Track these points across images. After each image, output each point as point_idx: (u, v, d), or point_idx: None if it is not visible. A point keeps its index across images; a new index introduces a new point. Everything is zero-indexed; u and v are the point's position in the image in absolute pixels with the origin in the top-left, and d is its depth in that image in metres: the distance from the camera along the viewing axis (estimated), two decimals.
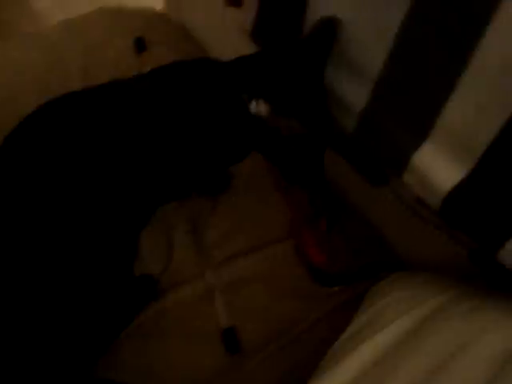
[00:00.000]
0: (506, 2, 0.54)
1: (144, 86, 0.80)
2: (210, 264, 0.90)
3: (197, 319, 0.87)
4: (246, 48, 0.95)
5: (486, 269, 0.76)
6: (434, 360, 0.60)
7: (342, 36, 0.74)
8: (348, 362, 0.67)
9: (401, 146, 0.75)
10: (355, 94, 0.77)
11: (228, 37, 1.08)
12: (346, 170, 0.92)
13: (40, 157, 0.70)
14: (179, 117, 0.76)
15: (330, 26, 0.75)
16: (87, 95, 0.78)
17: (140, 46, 1.14)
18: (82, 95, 0.78)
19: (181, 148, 0.77)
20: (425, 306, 0.72)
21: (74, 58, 1.10)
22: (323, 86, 0.80)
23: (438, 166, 0.72)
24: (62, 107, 0.75)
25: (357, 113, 0.79)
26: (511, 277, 0.69)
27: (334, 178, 1.00)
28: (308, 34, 0.78)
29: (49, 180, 0.68)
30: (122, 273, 0.76)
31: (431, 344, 0.64)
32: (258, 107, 0.76)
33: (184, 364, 0.82)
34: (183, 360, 0.82)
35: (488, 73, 0.59)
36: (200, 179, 0.88)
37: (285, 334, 0.86)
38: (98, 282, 0.71)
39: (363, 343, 0.69)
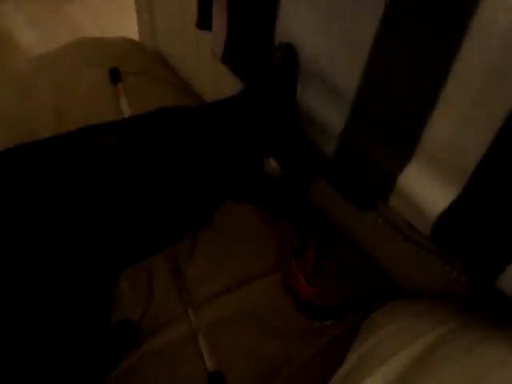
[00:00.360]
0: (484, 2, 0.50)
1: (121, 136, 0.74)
2: (193, 304, 0.85)
3: (182, 363, 0.81)
4: (221, 73, 0.92)
5: (486, 296, 0.71)
6: None
7: (313, 58, 0.70)
8: None
9: (384, 168, 0.70)
10: (333, 116, 0.73)
11: (203, 63, 1.04)
12: (332, 195, 0.87)
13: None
14: (156, 168, 0.72)
15: (291, 53, 0.72)
16: (55, 144, 0.72)
17: (115, 76, 1.11)
18: (49, 144, 0.72)
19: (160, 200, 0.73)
20: (425, 339, 0.66)
21: (45, 92, 1.07)
22: (298, 119, 0.78)
23: (426, 188, 0.67)
24: (27, 156, 0.70)
25: (336, 136, 0.74)
26: None
27: (321, 203, 0.95)
28: (272, 69, 0.75)
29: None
30: (99, 322, 0.70)
31: (436, 381, 0.58)
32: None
33: None
34: None
35: (472, 83, 0.55)
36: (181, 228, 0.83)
37: (275, 375, 0.80)
38: (74, 333, 0.66)
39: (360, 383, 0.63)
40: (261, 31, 0.74)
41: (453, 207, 0.64)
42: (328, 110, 0.73)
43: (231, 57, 0.84)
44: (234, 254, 0.91)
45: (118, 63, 1.13)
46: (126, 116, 1.05)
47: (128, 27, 1.35)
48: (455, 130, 0.59)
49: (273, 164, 0.77)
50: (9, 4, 2.24)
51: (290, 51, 0.71)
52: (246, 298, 0.86)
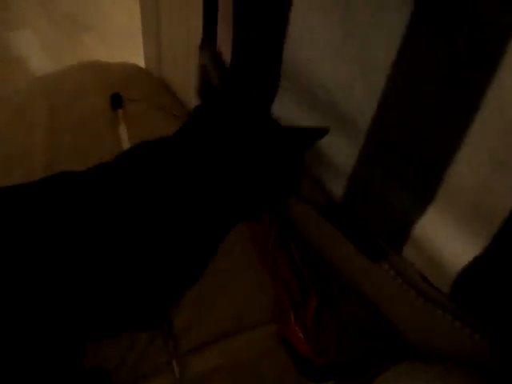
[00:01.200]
0: None
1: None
2: (178, 353, 0.76)
3: None
4: None
5: (511, 366, 0.61)
6: None
7: (323, 86, 0.63)
8: None
9: (398, 213, 0.62)
10: (342, 151, 0.65)
11: None
12: (338, 240, 0.78)
13: None
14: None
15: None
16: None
17: (115, 102, 1.06)
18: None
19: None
20: None
21: (40, 114, 1.02)
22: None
23: (447, 238, 0.58)
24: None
25: (345, 175, 0.66)
26: None
27: (326, 248, 0.87)
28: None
29: None
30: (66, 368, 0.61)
31: None
32: None
33: None
34: None
35: (505, 118, 0.47)
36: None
37: None
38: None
39: None
40: (266, 57, 0.68)
41: (478, 262, 0.55)
42: (337, 145, 0.66)
43: (235, 88, 0.77)
44: (226, 300, 0.82)
45: (120, 89, 1.07)
46: (123, 143, 0.99)
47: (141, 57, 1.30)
48: (484, 171, 0.51)
49: None
50: (27, 30, 2.25)
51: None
52: (238, 350, 0.77)
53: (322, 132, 0.65)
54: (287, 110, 0.70)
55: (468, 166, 0.52)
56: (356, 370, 0.77)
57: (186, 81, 1.05)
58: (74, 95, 1.08)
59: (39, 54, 2.15)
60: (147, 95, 1.09)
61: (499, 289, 0.55)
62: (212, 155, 0.61)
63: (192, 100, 1.03)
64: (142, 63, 1.22)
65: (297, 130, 0.67)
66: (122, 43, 2.16)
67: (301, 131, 0.66)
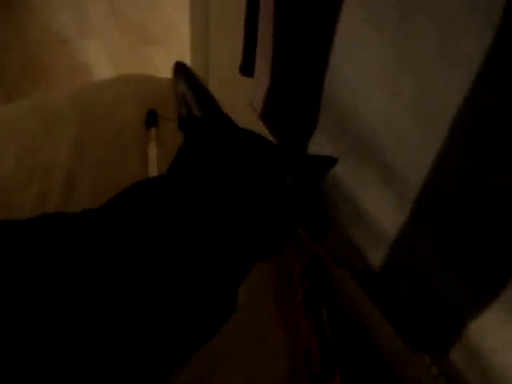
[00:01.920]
0: None
1: None
2: None
3: None
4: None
5: None
6: None
7: (371, 129, 0.50)
8: None
9: (450, 302, 0.48)
10: (387, 214, 0.52)
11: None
12: (374, 314, 0.64)
13: None
14: None
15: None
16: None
17: (151, 119, 0.97)
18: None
19: None
20: None
21: (70, 126, 0.94)
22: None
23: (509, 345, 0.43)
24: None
25: (388, 243, 0.52)
26: None
27: (361, 319, 0.72)
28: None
29: None
30: None
31: None
32: None
33: None
34: None
35: None
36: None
37: None
38: None
39: None
40: (306, 86, 0.56)
41: None
42: (381, 203, 0.52)
43: (271, 113, 0.66)
44: (235, 364, 0.70)
45: (159, 105, 0.98)
46: (151, 163, 0.91)
47: None
48: None
49: None
50: (96, 40, 2.26)
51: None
52: None
53: (330, 162, 0.54)
54: (324, 151, 0.57)
55: None
56: None
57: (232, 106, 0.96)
58: (109, 108, 1.00)
59: (105, 63, 2.15)
60: None
61: None
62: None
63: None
64: None
65: (301, 157, 0.56)
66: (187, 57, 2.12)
67: (306, 159, 0.56)
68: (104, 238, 0.52)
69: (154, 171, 0.89)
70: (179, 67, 0.63)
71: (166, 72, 1.14)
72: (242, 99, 0.80)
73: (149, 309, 0.51)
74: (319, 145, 0.58)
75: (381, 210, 0.52)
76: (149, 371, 0.55)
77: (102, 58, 2.23)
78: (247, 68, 0.68)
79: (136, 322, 0.50)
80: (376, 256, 0.55)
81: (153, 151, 0.92)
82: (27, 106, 1.00)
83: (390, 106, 0.47)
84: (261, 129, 0.76)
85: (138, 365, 0.53)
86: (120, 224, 0.53)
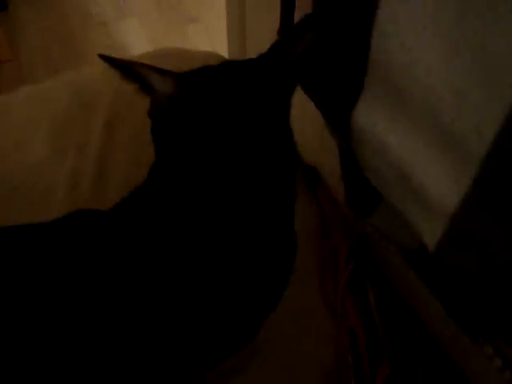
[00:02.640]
0: None
1: None
2: None
3: None
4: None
5: None
6: None
7: (425, 89, 0.43)
8: None
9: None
10: (444, 186, 0.46)
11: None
12: (428, 298, 0.59)
13: None
14: None
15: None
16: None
17: None
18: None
19: None
20: None
21: (103, 102, 0.91)
22: None
23: None
24: None
25: (444, 218, 0.46)
26: None
27: (412, 303, 0.67)
28: None
29: None
30: None
31: None
32: None
33: None
34: None
35: None
36: None
37: None
38: None
39: None
40: (351, 43, 0.50)
41: None
42: (439, 174, 0.46)
43: (312, 80, 0.60)
44: (277, 348, 0.66)
45: None
46: None
47: None
48: None
49: None
50: (135, 19, 2.26)
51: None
52: None
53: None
54: (373, 117, 0.51)
55: None
56: None
57: None
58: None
59: (143, 43, 2.15)
60: None
61: None
62: None
63: None
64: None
65: None
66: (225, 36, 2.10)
67: None
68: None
69: None
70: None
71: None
72: None
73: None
74: (367, 109, 0.52)
75: (437, 181, 0.46)
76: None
77: (141, 38, 2.24)
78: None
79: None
80: (431, 233, 0.49)
81: None
82: (60, 82, 0.98)
83: (448, 60, 0.40)
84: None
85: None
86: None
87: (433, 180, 0.47)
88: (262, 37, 0.92)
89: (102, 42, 2.06)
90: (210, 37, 2.10)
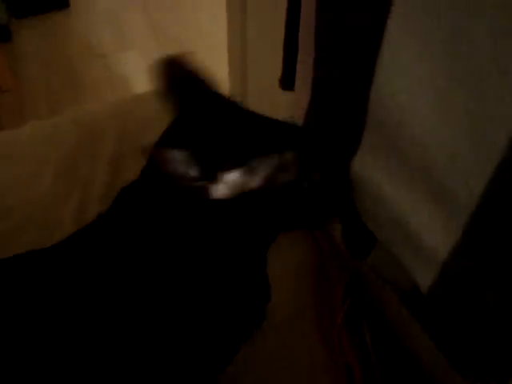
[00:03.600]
0: None
1: None
2: None
3: None
4: None
5: None
6: None
7: (419, 145, 0.47)
8: None
9: (509, 328, 0.44)
10: (436, 235, 0.49)
11: None
12: (422, 338, 0.61)
13: None
14: None
15: None
16: None
17: None
18: None
19: None
20: None
21: (107, 140, 0.95)
22: None
23: None
24: None
25: (436, 264, 0.50)
26: None
27: (407, 342, 0.69)
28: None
29: None
30: None
31: None
32: None
33: None
34: None
35: None
36: None
37: None
38: None
39: None
40: (350, 103, 0.54)
41: None
42: (431, 224, 0.50)
43: (314, 125, 0.63)
44: (275, 381, 0.68)
45: None
46: None
47: None
48: None
49: None
50: (135, 52, 2.30)
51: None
52: None
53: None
54: (369, 169, 0.55)
55: None
56: None
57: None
58: (147, 122, 1.00)
59: (143, 75, 2.18)
60: None
61: None
62: None
63: None
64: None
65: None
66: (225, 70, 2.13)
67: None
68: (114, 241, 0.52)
69: None
70: None
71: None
72: (282, 112, 0.78)
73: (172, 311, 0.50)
74: (363, 162, 0.56)
75: (430, 229, 0.49)
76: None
77: (140, 70, 2.27)
78: (287, 82, 0.67)
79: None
80: (424, 277, 0.52)
81: None
82: (66, 119, 1.02)
83: (440, 122, 0.44)
84: None
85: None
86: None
87: (426, 229, 0.50)
88: (264, 72, 0.95)
89: (101, 73, 2.10)
90: (208, 70, 2.16)
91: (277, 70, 0.84)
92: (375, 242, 0.64)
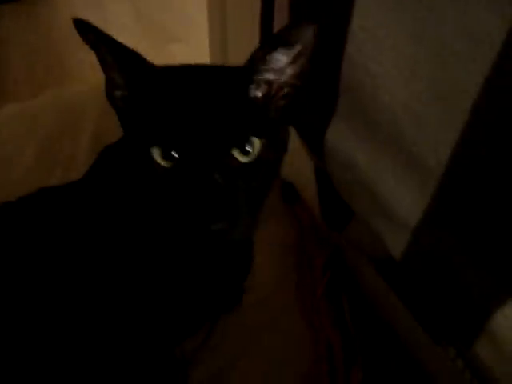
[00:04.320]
0: None
1: None
2: None
3: None
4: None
5: None
6: None
7: (389, 111, 0.48)
8: None
9: (471, 294, 0.45)
10: (406, 199, 0.50)
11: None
12: (397, 305, 0.62)
13: None
14: None
15: None
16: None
17: None
18: None
19: None
20: None
21: (88, 121, 0.95)
22: None
23: None
24: None
25: (407, 230, 0.51)
26: None
27: (383, 310, 0.70)
28: None
29: None
30: None
31: None
32: None
33: None
34: None
35: None
36: None
37: None
38: None
39: None
40: (323, 72, 0.54)
41: None
42: (402, 189, 0.50)
43: None
44: (255, 357, 0.68)
45: None
46: None
47: None
48: None
49: None
50: (119, 38, 2.27)
51: None
52: None
53: None
54: (343, 137, 0.56)
55: None
56: None
57: None
58: None
59: None
60: None
61: None
62: None
63: None
64: None
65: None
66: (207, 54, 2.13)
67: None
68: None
69: None
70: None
71: None
72: None
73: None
74: (338, 131, 0.56)
75: (401, 196, 0.50)
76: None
77: None
78: None
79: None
80: (397, 244, 0.53)
81: None
82: (46, 101, 1.01)
83: (408, 88, 0.45)
84: None
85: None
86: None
87: (397, 196, 0.51)
88: (243, 55, 0.95)
89: (85, 58, 2.08)
90: (193, 56, 2.15)
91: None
92: (351, 213, 0.65)
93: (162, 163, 0.45)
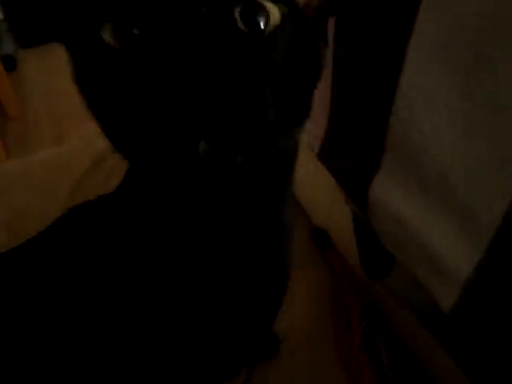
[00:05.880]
0: None
1: None
2: None
3: None
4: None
5: None
6: None
7: (441, 168, 0.48)
8: None
9: None
10: (458, 255, 0.50)
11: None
12: (443, 359, 0.61)
13: None
14: None
15: None
16: None
17: None
18: None
19: None
20: None
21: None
22: None
23: None
24: None
25: (458, 284, 0.50)
26: None
27: (426, 363, 0.69)
28: None
29: None
30: None
31: None
32: None
33: None
34: None
35: None
36: None
37: None
38: None
39: None
40: (369, 129, 0.55)
41: None
42: (453, 244, 0.50)
43: (329, 154, 0.64)
44: None
45: None
46: None
47: None
48: None
49: None
50: None
51: None
52: None
53: None
54: (389, 192, 0.56)
55: None
56: None
57: None
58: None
59: None
60: None
61: None
62: None
63: None
64: None
65: None
66: None
67: None
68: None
69: None
70: None
71: None
72: None
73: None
74: (383, 185, 0.57)
75: (452, 249, 0.50)
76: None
77: None
78: None
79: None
80: (446, 296, 0.53)
81: None
82: (75, 143, 1.03)
83: (463, 145, 0.45)
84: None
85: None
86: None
87: (448, 249, 0.50)
88: None
89: None
90: None
91: None
92: (393, 262, 0.64)
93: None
